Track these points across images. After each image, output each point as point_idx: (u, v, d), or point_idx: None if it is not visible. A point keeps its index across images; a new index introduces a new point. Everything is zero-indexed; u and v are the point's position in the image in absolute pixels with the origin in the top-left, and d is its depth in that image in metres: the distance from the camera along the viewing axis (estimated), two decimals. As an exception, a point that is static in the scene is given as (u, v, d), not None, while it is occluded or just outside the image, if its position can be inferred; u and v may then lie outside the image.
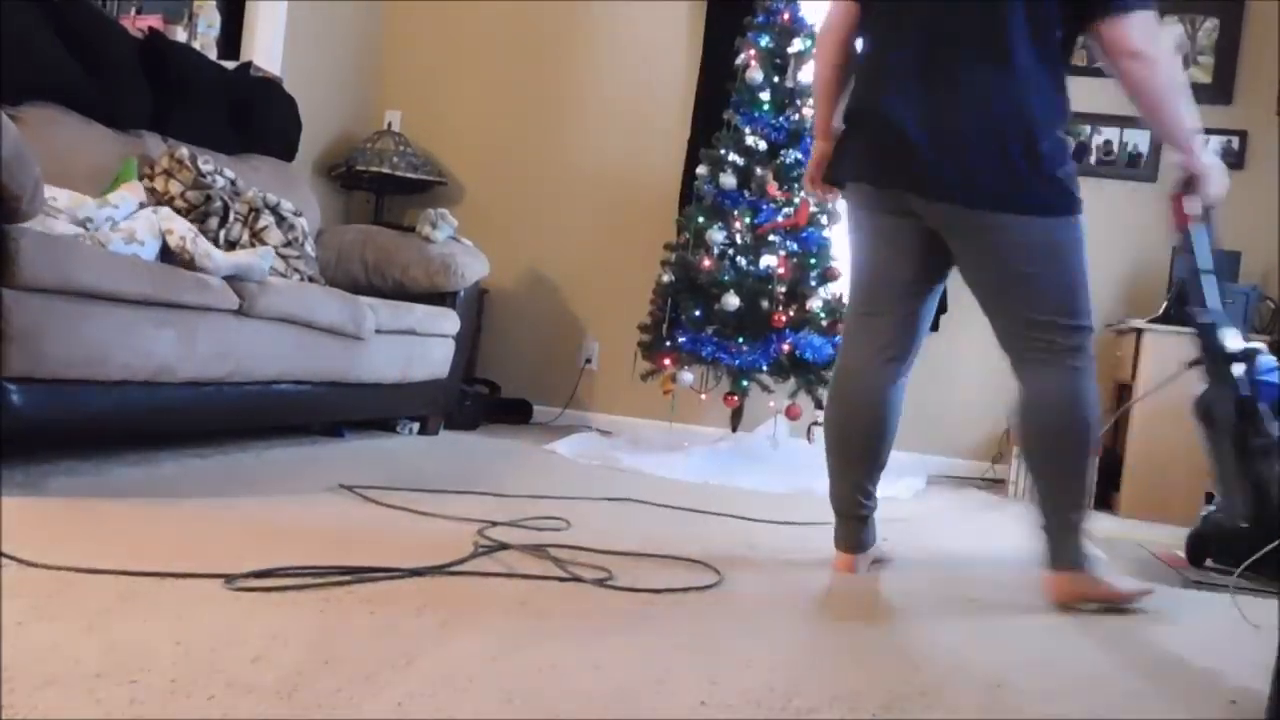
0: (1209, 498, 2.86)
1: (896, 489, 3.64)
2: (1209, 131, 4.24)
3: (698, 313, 3.79)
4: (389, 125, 4.90)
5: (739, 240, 3.84)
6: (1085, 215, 2.04)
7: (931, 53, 1.98)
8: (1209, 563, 2.65)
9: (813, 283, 3.80)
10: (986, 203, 1.96)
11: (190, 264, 2.66)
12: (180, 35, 3.79)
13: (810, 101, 3.88)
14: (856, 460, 2.19)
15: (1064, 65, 2.05)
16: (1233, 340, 2.47)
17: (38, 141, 2.75)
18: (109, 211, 2.70)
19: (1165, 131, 2.06)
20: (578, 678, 1.30)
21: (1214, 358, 2.47)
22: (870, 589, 2.03)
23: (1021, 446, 2.11)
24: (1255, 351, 2.49)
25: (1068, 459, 2.02)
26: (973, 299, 2.12)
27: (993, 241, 2.00)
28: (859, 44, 2.15)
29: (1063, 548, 2.03)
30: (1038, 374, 2.03)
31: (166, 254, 2.77)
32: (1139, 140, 4.31)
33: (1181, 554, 2.77)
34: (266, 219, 3.37)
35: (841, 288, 3.91)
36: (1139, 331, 3.79)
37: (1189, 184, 2.14)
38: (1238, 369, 2.46)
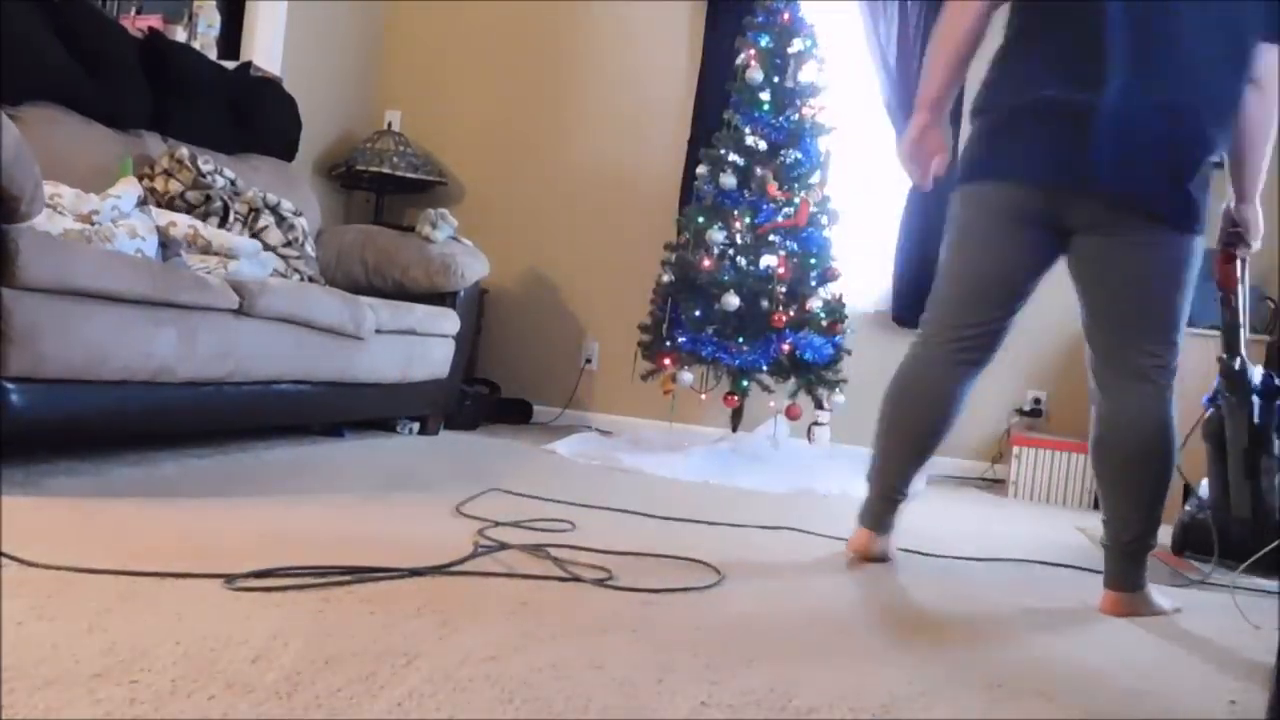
0: (1186, 493, 2.94)
1: (896, 489, 3.64)
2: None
3: (698, 313, 3.79)
4: (389, 125, 4.90)
5: (739, 240, 3.84)
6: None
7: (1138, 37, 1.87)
8: (1187, 554, 2.79)
9: (813, 283, 3.80)
10: (1162, 217, 1.89)
11: (208, 249, 2.67)
12: (180, 35, 3.79)
13: (811, 101, 3.88)
14: (911, 448, 2.21)
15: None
16: (1255, 376, 2.59)
17: (38, 141, 2.75)
18: (113, 202, 2.71)
19: (1252, 172, 2.00)
20: (578, 678, 1.30)
21: (1238, 392, 2.54)
22: (870, 589, 2.03)
23: (1105, 464, 2.02)
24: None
25: (1153, 481, 1.98)
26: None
27: (1146, 256, 1.92)
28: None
29: (1131, 570, 2.01)
30: (1137, 392, 1.96)
31: (164, 250, 2.77)
32: (1139, 140, 4.30)
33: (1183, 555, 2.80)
34: (266, 219, 3.37)
35: (841, 288, 3.91)
36: (1139, 331, 3.79)
37: (1235, 239, 2.11)
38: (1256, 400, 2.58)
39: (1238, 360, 2.50)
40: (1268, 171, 2.03)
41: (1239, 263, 2.29)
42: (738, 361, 3.74)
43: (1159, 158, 1.87)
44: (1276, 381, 2.58)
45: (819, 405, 3.91)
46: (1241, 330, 2.46)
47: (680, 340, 3.81)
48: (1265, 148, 1.97)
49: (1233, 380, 2.53)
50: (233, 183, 3.39)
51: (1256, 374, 2.57)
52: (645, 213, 4.67)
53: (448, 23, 4.97)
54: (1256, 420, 2.54)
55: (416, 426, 3.86)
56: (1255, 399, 2.55)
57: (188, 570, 1.59)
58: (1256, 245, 2.14)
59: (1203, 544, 2.68)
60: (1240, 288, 2.35)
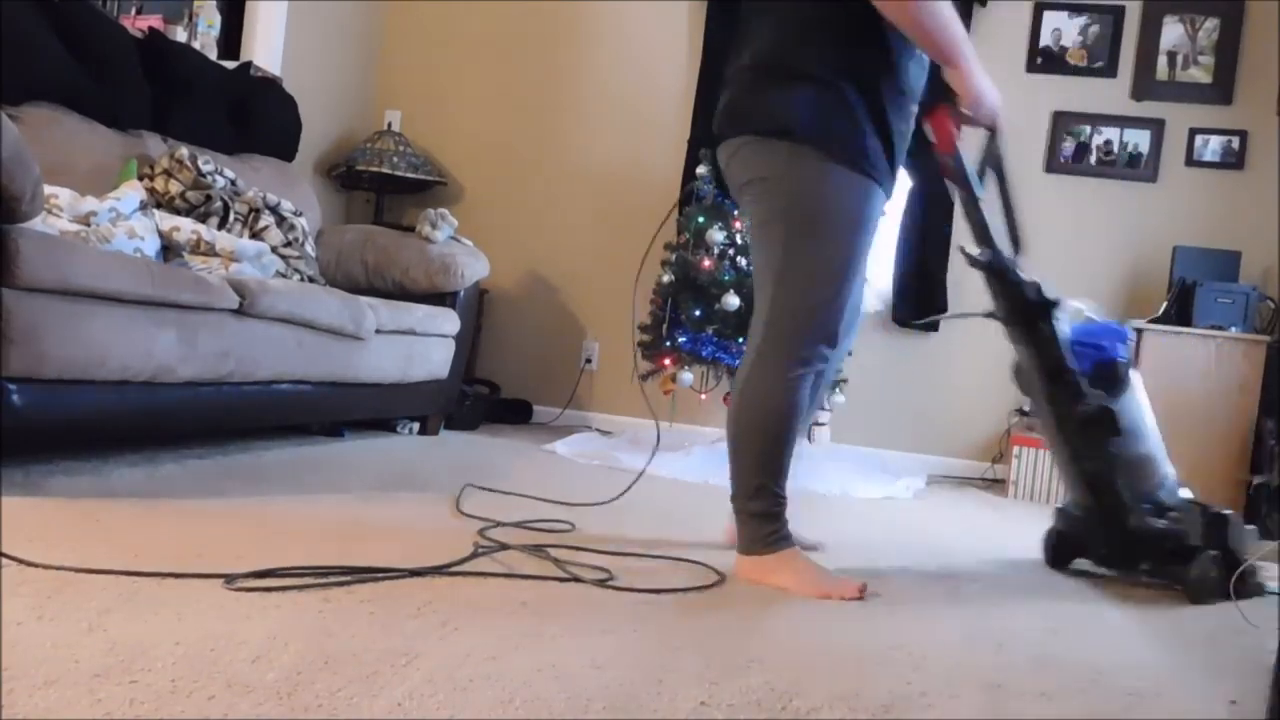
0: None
1: (896, 489, 3.64)
2: (1209, 131, 4.26)
3: (698, 313, 3.79)
4: (389, 125, 4.90)
5: (739, 240, 3.84)
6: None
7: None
8: (1081, 563, 2.44)
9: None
10: None
11: (211, 252, 2.67)
12: (180, 35, 3.79)
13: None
14: (791, 444, 2.14)
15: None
16: (1032, 288, 2.21)
17: (38, 141, 2.75)
18: (112, 204, 2.71)
19: (932, 52, 1.97)
20: (578, 678, 1.30)
21: (1012, 307, 2.21)
22: (871, 590, 2.03)
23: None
24: (1054, 303, 2.22)
25: (740, 446, 2.03)
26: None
27: None
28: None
29: (743, 532, 2.02)
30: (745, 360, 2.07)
31: (167, 254, 2.77)
32: (1139, 140, 4.31)
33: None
34: (266, 219, 3.37)
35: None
36: (1139, 331, 3.80)
37: (957, 102, 2.01)
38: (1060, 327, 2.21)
39: (991, 254, 2.17)
40: (967, 47, 1.96)
41: (992, 140, 2.11)
42: (737, 361, 3.73)
43: None
44: (1045, 293, 2.20)
45: (819, 405, 3.90)
46: (984, 218, 2.13)
47: (680, 340, 3.81)
48: (921, 26, 1.90)
49: (996, 282, 2.18)
50: (233, 183, 3.39)
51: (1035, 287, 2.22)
52: (645, 213, 4.67)
53: (448, 23, 4.97)
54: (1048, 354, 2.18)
55: (416, 426, 3.85)
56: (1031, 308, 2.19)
57: (188, 570, 1.59)
58: (979, 114, 2.02)
59: (1093, 548, 2.39)
60: (960, 153, 2.07)
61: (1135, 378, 2.34)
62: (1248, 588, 2.21)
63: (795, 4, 2.02)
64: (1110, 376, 2.26)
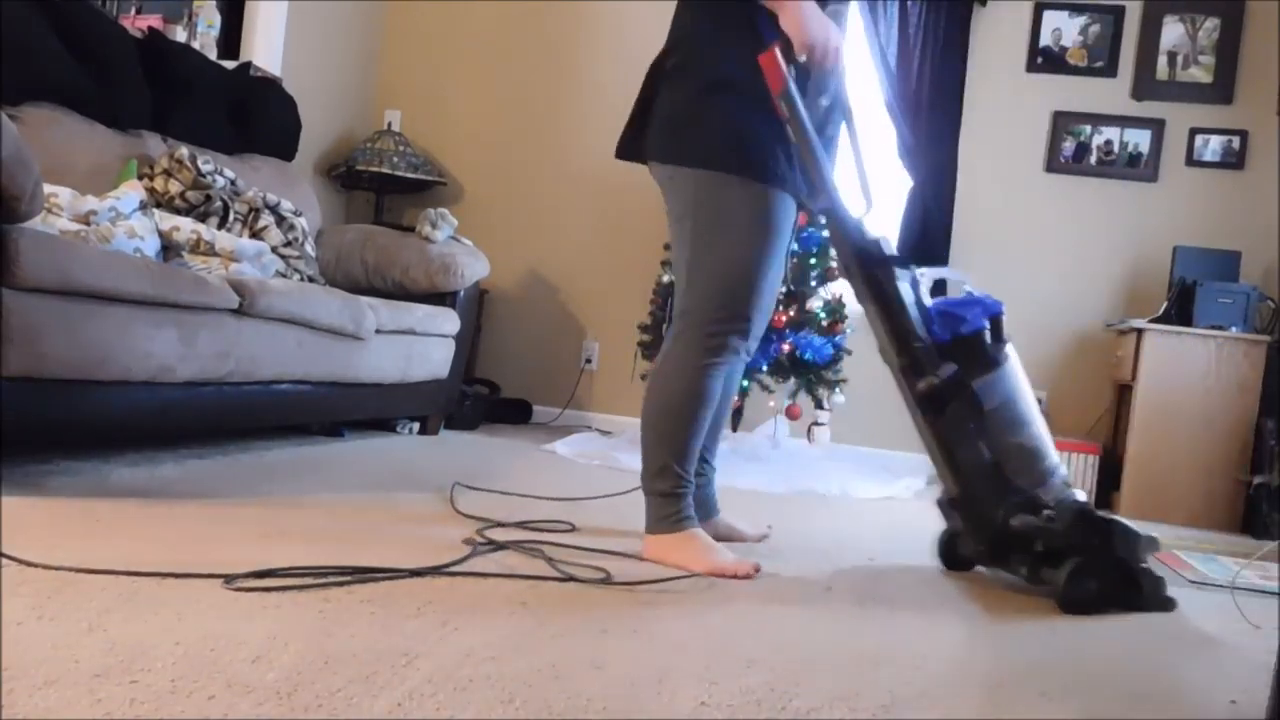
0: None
1: (896, 489, 3.64)
2: (1209, 131, 4.26)
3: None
4: (389, 125, 4.90)
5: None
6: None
7: None
8: (981, 568, 2.26)
9: (813, 283, 3.80)
10: None
11: (211, 252, 2.67)
12: (180, 35, 3.79)
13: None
14: (704, 436, 2.18)
15: None
16: (872, 242, 2.09)
17: (38, 141, 2.75)
18: (112, 204, 2.71)
19: None
20: (578, 678, 1.30)
21: (848, 258, 2.09)
22: (870, 590, 2.03)
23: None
24: (892, 258, 2.08)
25: (645, 427, 2.11)
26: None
27: None
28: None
29: (648, 510, 2.09)
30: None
31: (167, 253, 2.77)
32: (1139, 140, 4.31)
33: (1181, 555, 2.76)
34: (266, 219, 3.37)
35: (841, 287, 3.91)
36: (1139, 331, 3.80)
37: (785, 42, 1.96)
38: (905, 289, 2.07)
39: (832, 201, 2.05)
40: None
41: (783, 63, 1.97)
42: (738, 361, 3.74)
43: None
44: (885, 249, 2.08)
45: (819, 405, 3.91)
46: (820, 162, 2.01)
47: (680, 340, 3.80)
48: None
49: (837, 232, 2.08)
50: (233, 183, 3.39)
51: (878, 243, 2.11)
52: (645, 213, 4.67)
53: (448, 23, 4.97)
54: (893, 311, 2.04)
55: (416, 426, 3.86)
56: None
57: (188, 570, 1.59)
58: (811, 56, 1.96)
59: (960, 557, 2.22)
60: (792, 93, 1.96)
61: (1012, 359, 2.14)
62: (1146, 600, 2.04)
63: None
64: (971, 351, 2.07)
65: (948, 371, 2.04)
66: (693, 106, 2.07)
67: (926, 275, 2.17)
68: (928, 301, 2.14)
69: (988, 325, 2.11)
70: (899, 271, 2.10)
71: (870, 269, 2.09)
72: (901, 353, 2.08)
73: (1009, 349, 2.15)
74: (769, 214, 2.06)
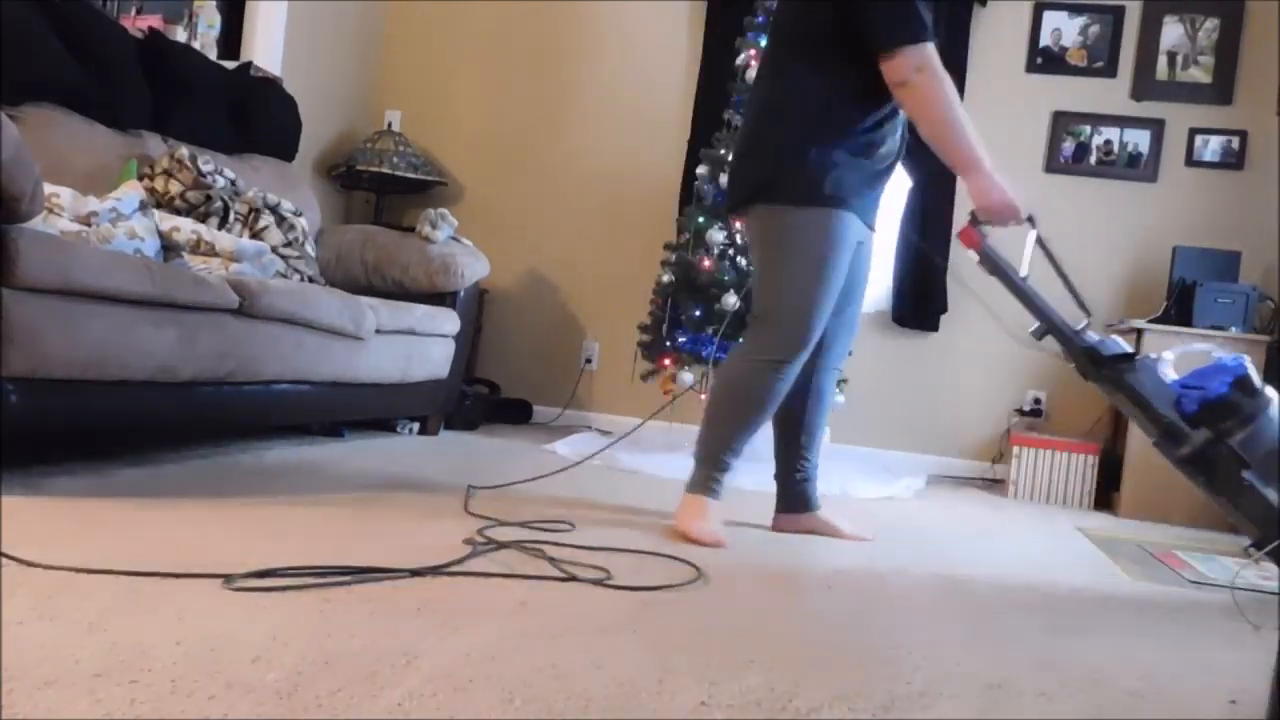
0: None
1: (896, 489, 3.65)
2: (1209, 132, 4.26)
3: (698, 313, 3.79)
4: (389, 125, 4.90)
5: (739, 240, 3.84)
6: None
7: None
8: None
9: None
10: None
11: (211, 252, 2.67)
12: (180, 35, 3.79)
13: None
14: (749, 433, 2.46)
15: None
16: (1101, 347, 2.30)
17: (38, 141, 2.75)
18: (112, 204, 2.71)
19: (941, 152, 2.28)
20: (578, 678, 1.30)
21: (1085, 366, 2.28)
22: (871, 590, 2.03)
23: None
24: (1127, 356, 2.26)
25: (709, 410, 2.45)
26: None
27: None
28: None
29: (693, 474, 2.44)
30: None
31: (167, 254, 2.77)
32: (1139, 140, 4.31)
33: (1180, 555, 2.76)
34: (266, 219, 3.37)
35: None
36: (1139, 331, 3.80)
37: (974, 216, 2.27)
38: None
39: (1041, 328, 2.27)
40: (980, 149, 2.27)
41: (978, 228, 2.32)
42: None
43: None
44: (1114, 348, 2.24)
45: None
46: (1031, 294, 2.28)
47: (680, 340, 3.81)
48: (932, 132, 2.28)
49: (1061, 343, 2.26)
50: (233, 183, 3.39)
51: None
52: (645, 213, 4.67)
53: (448, 23, 4.97)
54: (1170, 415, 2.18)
55: (416, 426, 3.86)
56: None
57: (188, 570, 1.59)
58: (983, 216, 2.28)
59: None
60: (989, 251, 2.30)
61: (1274, 403, 2.21)
62: None
63: (814, 69, 2.36)
64: (1224, 412, 2.19)
65: (1200, 438, 2.16)
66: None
67: (1172, 353, 2.32)
68: (1171, 377, 2.28)
69: (1230, 386, 2.23)
70: (1133, 364, 2.27)
71: (1111, 375, 2.27)
72: (1152, 430, 2.26)
73: (1270, 393, 2.23)
74: (836, 235, 2.35)
